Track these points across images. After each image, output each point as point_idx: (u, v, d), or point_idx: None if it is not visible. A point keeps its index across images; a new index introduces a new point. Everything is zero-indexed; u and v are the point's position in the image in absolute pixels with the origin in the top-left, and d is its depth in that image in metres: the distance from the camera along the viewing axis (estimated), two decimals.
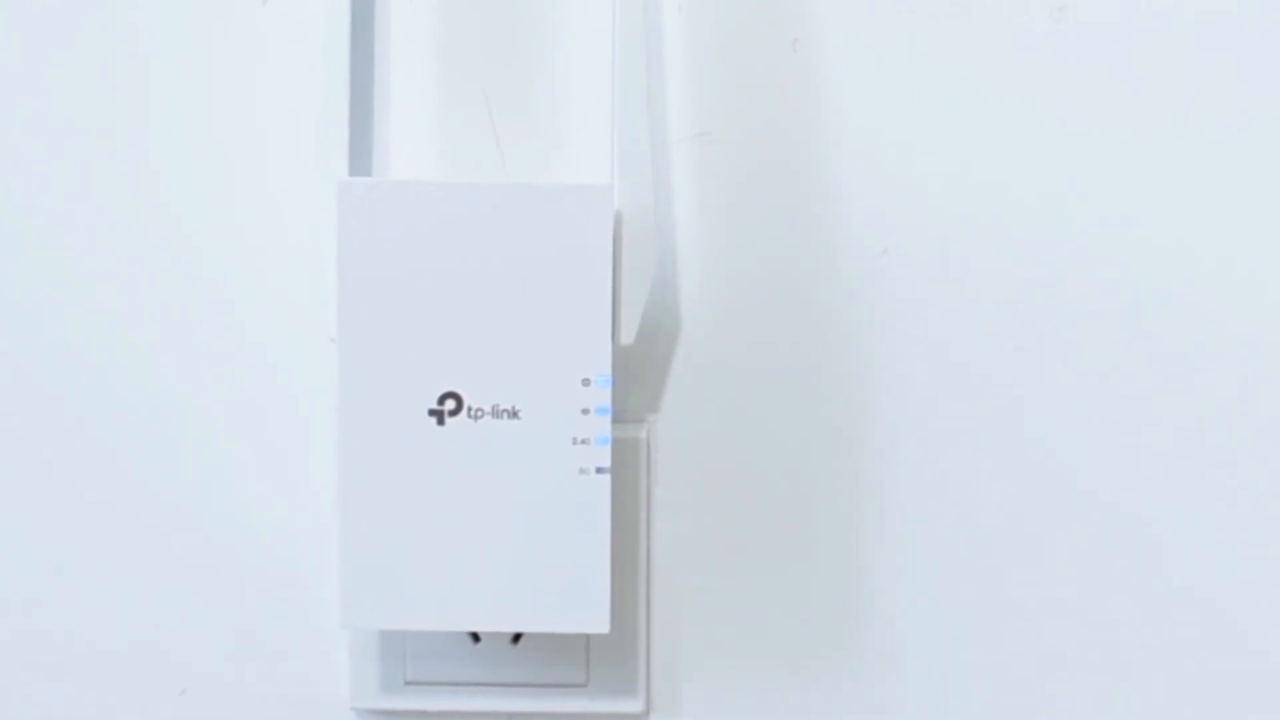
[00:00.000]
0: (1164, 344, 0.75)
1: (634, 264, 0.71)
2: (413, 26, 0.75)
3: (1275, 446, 0.75)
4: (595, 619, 0.70)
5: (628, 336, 0.71)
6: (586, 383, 0.69)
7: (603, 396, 0.69)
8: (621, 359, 0.74)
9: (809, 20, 0.74)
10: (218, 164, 0.75)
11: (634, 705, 0.77)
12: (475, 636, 0.76)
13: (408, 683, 0.76)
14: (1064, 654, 0.76)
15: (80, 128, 0.75)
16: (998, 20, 0.75)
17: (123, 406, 0.76)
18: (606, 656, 0.76)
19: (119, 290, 0.76)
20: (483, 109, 0.75)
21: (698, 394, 0.76)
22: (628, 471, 0.75)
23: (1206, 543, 0.76)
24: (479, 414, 0.69)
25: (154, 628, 0.77)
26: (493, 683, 0.76)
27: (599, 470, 0.69)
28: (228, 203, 0.76)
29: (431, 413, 0.69)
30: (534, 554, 0.69)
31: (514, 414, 0.69)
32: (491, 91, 0.75)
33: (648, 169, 0.71)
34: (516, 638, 0.76)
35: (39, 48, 0.75)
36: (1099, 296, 0.75)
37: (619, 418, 0.74)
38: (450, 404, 0.69)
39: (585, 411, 0.69)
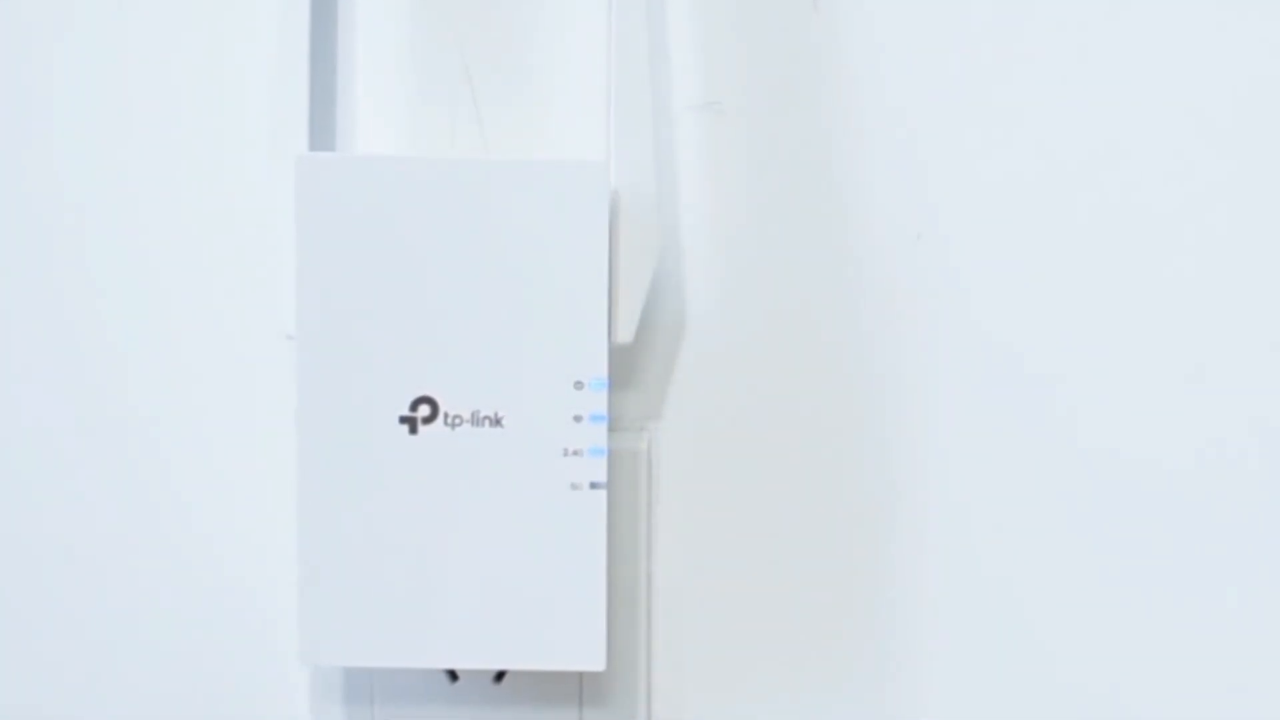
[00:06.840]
0: (1228, 334, 0.74)
1: (633, 251, 0.70)
2: None
3: None
4: (589, 655, 0.69)
5: (626, 334, 0.70)
6: (579, 386, 0.68)
7: (597, 402, 0.68)
8: (619, 359, 0.73)
9: None
10: (158, 137, 0.75)
11: None
12: (452, 675, 0.75)
13: None
14: (1101, 659, 0.76)
15: (11, 102, 0.75)
16: None
17: (56, 419, 0.76)
18: (602, 697, 0.75)
19: (50, 283, 0.75)
20: (461, 73, 0.74)
21: (704, 399, 0.75)
22: (625, 486, 0.74)
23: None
24: (457, 422, 0.68)
25: (95, 663, 0.76)
26: None
27: (593, 485, 0.69)
28: (170, 182, 0.75)
29: (403, 420, 0.68)
30: (519, 581, 0.69)
31: (497, 421, 0.68)
32: (471, 54, 0.74)
33: (649, 143, 0.70)
34: (499, 676, 0.75)
35: None
36: (1162, 286, 0.74)
37: (616, 426, 0.74)
38: (424, 410, 0.68)
39: (578, 419, 0.68)
